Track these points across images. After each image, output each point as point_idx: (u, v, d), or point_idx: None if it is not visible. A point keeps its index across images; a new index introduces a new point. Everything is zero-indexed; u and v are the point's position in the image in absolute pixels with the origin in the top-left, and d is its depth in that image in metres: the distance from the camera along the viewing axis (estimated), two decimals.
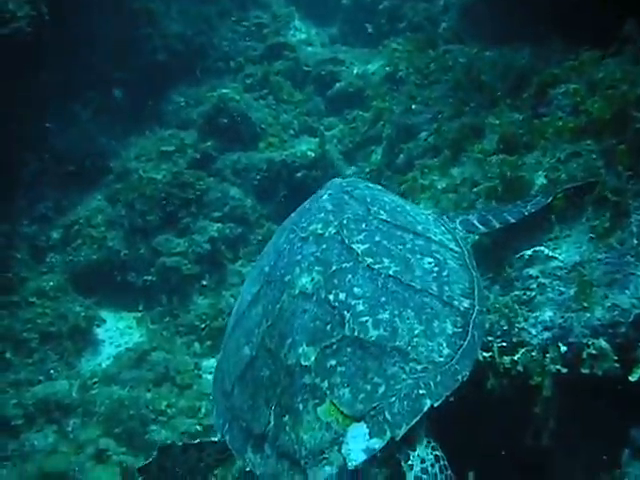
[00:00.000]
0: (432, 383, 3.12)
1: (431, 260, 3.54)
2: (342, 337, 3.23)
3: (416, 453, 3.12)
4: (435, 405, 3.07)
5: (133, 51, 10.28)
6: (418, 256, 3.54)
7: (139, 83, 10.26)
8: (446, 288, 3.45)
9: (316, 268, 3.45)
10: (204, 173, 9.03)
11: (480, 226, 4.10)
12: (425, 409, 3.06)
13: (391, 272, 3.41)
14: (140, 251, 8.58)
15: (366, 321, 3.27)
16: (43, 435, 6.92)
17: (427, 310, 3.32)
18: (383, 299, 3.32)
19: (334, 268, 3.43)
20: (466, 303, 3.43)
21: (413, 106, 7.45)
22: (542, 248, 4.06)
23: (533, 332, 3.86)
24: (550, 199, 4.09)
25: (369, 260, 3.45)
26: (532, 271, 4.03)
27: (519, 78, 5.90)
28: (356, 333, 3.24)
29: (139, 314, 8.52)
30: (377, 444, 3.01)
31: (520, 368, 3.80)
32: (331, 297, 3.34)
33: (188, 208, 8.74)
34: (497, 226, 4.10)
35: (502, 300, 4.03)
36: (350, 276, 3.39)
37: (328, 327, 3.27)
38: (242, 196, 8.95)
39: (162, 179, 8.75)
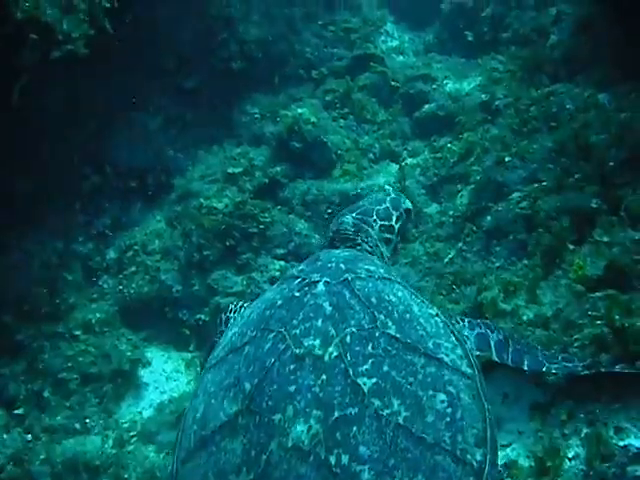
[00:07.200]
0: None
1: (444, 397, 2.96)
2: None
3: None
4: None
5: (207, 58, 9.53)
6: (430, 392, 2.96)
7: (212, 91, 9.59)
8: (459, 438, 2.87)
9: (314, 412, 2.81)
10: (270, 203, 8.19)
11: (494, 352, 3.63)
12: None
13: (401, 420, 2.83)
14: (194, 287, 7.89)
15: None
16: None
17: (439, 474, 2.75)
18: (392, 462, 2.72)
19: (336, 415, 2.81)
20: (479, 455, 2.87)
21: (507, 158, 6.45)
22: None
23: None
24: (589, 372, 3.44)
25: (377, 403, 2.86)
26: None
27: None
28: None
29: (189, 355, 7.87)
30: None
31: None
32: (332, 459, 2.71)
33: (249, 242, 7.95)
34: (510, 364, 3.62)
35: None
36: (355, 428, 2.78)
37: None
38: (309, 232, 8.09)
39: (224, 209, 7.96)
